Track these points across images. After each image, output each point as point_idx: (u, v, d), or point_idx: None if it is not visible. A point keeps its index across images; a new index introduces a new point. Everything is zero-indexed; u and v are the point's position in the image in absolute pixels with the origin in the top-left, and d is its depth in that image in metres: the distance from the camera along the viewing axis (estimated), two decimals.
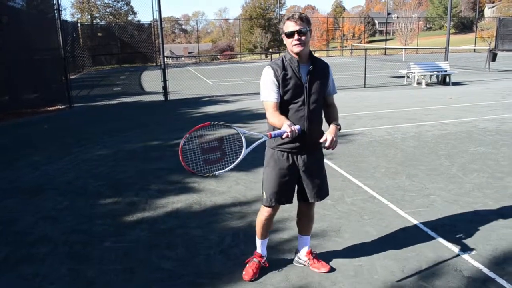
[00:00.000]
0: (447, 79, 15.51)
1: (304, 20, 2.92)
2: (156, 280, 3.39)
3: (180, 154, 2.82)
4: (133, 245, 3.97)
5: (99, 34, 31.97)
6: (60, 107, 12.43)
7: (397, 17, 55.83)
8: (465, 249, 3.71)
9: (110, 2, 41.38)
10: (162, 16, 13.50)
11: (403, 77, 16.76)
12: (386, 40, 49.62)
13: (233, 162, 2.92)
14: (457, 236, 3.96)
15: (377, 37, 77.95)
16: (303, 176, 3.14)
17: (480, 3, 61.77)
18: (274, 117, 2.93)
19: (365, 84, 15.39)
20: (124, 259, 3.72)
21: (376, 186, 5.26)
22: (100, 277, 3.45)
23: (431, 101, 11.86)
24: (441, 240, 3.89)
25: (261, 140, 2.85)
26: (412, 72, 15.77)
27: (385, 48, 39.23)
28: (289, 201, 3.21)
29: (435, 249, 3.73)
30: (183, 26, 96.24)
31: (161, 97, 13.54)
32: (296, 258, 3.55)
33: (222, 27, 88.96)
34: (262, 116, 10.22)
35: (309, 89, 2.99)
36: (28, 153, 7.29)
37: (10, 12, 12.13)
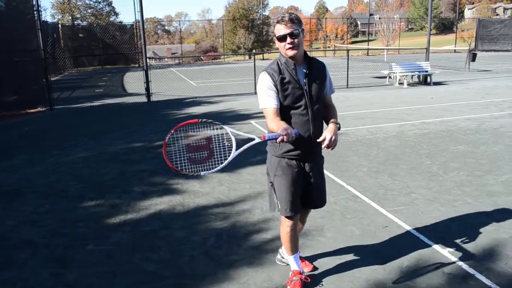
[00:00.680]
0: (428, 79, 15.73)
1: (295, 21, 2.80)
2: (139, 283, 3.36)
3: (163, 150, 2.67)
4: (115, 247, 3.93)
5: (80, 35, 31.59)
6: (41, 110, 12.25)
7: (379, 18, 56.40)
8: (446, 246, 3.77)
9: (91, 3, 40.92)
10: (145, 17, 13.42)
11: (385, 77, 16.94)
12: (368, 40, 50.06)
13: (221, 163, 2.80)
14: (438, 233, 4.02)
15: (359, 38, 78.67)
16: (311, 182, 3.07)
17: (460, 5, 62.78)
18: (274, 123, 2.80)
19: (347, 85, 15.51)
20: (106, 262, 3.68)
21: (358, 185, 5.30)
22: (82, 280, 3.41)
23: (413, 101, 12.01)
24: (422, 237, 3.94)
25: (253, 142, 2.72)
26: (394, 73, 15.95)
27: (368, 49, 39.57)
28: (300, 210, 3.10)
29: (416, 247, 3.78)
30: (166, 27, 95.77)
31: (143, 99, 13.44)
32: (279, 257, 3.54)
33: (205, 28, 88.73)
34: (245, 117, 10.24)
35: (309, 91, 2.90)
36: (8, 156, 7.16)
37: None
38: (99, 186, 5.59)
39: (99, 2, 41.26)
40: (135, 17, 16.88)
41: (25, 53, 12.95)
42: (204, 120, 2.77)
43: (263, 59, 36.50)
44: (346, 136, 7.85)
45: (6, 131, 9.52)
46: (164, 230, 4.26)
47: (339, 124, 2.98)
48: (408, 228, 4.14)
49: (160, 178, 5.83)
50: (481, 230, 4.07)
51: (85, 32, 32.21)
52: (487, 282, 3.23)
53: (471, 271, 3.38)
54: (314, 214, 4.47)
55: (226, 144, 2.84)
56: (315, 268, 3.43)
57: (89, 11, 41.34)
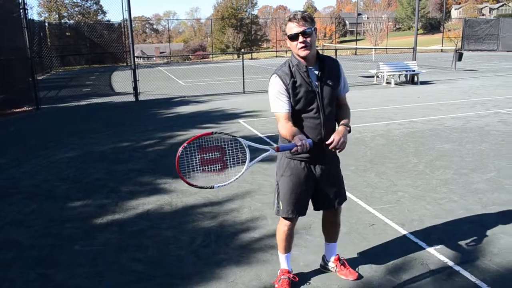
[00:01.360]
0: (415, 79, 15.86)
1: (307, 19, 2.71)
2: (127, 283, 3.35)
3: (176, 164, 2.60)
4: (103, 248, 3.91)
5: (67, 33, 31.28)
6: (27, 109, 12.12)
7: (367, 18, 56.72)
8: (432, 243, 3.81)
9: (78, 1, 40.62)
10: (133, 15, 13.36)
11: (372, 76, 17.05)
12: (356, 40, 50.35)
13: (235, 175, 2.74)
14: (424, 231, 4.06)
15: (348, 37, 79.06)
16: (321, 184, 3.01)
17: (447, 5, 63.39)
18: (286, 129, 2.74)
19: None
20: (94, 262, 3.67)
21: (346, 184, 5.24)
22: (69, 281, 3.39)
23: (400, 100, 12.11)
24: (408, 235, 3.99)
25: (267, 153, 2.68)
26: (381, 72, 16.06)
27: (356, 48, 39.78)
28: (304, 212, 3.06)
29: (402, 244, 3.82)
30: (154, 26, 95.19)
31: (131, 98, 13.37)
32: (322, 264, 3.45)
33: (194, 27, 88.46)
34: (234, 116, 10.24)
35: (321, 94, 2.82)
36: None
37: None
38: (86, 186, 5.56)
39: (87, 1, 40.98)
40: (123, 16, 16.79)
41: (11, 51, 12.80)
42: (218, 132, 2.70)
43: (251, 58, 36.48)
44: None
45: None
46: (152, 230, 4.25)
47: (350, 127, 2.92)
48: (394, 226, 4.18)
49: (148, 178, 5.81)
50: (466, 227, 4.13)
51: (72, 30, 31.90)
52: (472, 278, 3.28)
53: (456, 267, 3.43)
54: None
55: (240, 156, 2.77)
56: (360, 277, 3.32)
57: (76, 9, 41.02)
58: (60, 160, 6.79)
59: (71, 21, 38.35)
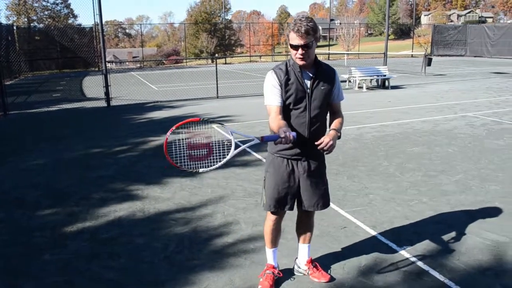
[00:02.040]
0: (387, 83, 16.18)
1: (310, 32, 2.76)
2: None
3: (164, 146, 2.71)
4: (73, 256, 3.84)
5: (36, 37, 30.59)
6: None
7: (340, 23, 57.57)
8: (402, 244, 3.89)
9: (48, 4, 39.77)
10: (105, 19, 13.19)
11: (345, 81, 17.28)
12: (329, 45, 50.95)
13: (220, 161, 2.84)
14: (394, 232, 4.15)
15: (321, 43, 79.76)
16: (303, 183, 3.08)
17: (416, 11, 64.91)
18: (274, 122, 2.84)
19: None
20: (64, 271, 3.59)
21: None
22: None
23: (371, 104, 12.32)
24: (379, 237, 4.06)
25: (251, 143, 2.76)
26: (353, 77, 16.30)
27: (329, 53, 40.26)
28: (290, 207, 3.13)
29: (374, 246, 3.89)
30: (127, 30, 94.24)
31: (103, 103, 13.17)
32: (295, 267, 3.50)
33: (167, 31, 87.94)
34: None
35: (311, 95, 2.92)
36: None
37: None
38: (56, 194, 5.45)
39: (57, 4, 40.15)
40: (94, 20, 16.56)
41: None
42: (206, 118, 2.81)
43: (225, 63, 36.49)
44: None
45: None
46: (124, 237, 4.19)
47: (340, 133, 3.00)
48: (366, 228, 4.25)
49: (119, 184, 5.73)
50: (435, 228, 4.23)
51: (42, 34, 31.19)
52: (441, 277, 3.36)
53: (426, 267, 3.51)
54: None
55: (225, 143, 2.88)
56: (332, 279, 3.36)
57: (46, 13, 40.13)
58: (30, 167, 6.63)
59: (41, 25, 37.52)
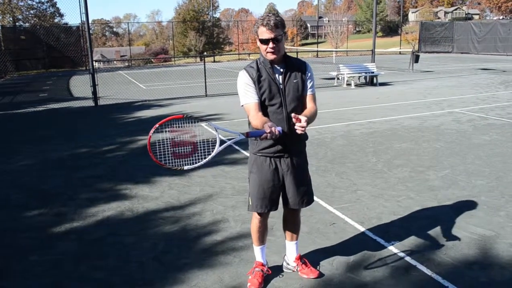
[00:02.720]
0: (375, 80, 16.26)
1: (279, 25, 2.79)
2: None
3: (148, 144, 2.68)
4: (61, 257, 3.81)
5: (22, 37, 30.21)
6: None
7: (328, 21, 57.70)
8: (389, 240, 3.92)
9: (34, 3, 39.25)
10: (92, 18, 13.09)
11: (333, 78, 17.36)
12: (317, 43, 51.10)
13: (205, 158, 2.82)
14: (382, 228, 4.18)
15: (309, 40, 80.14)
16: (287, 181, 3.07)
17: (404, 8, 65.32)
18: (257, 119, 2.82)
19: None
20: (52, 272, 3.56)
21: None
22: None
23: (360, 101, 12.38)
24: (367, 232, 4.09)
25: (236, 139, 2.74)
26: (341, 74, 16.37)
27: (317, 51, 40.40)
28: (275, 207, 3.13)
29: (362, 242, 3.91)
30: (115, 29, 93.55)
31: (90, 103, 13.07)
32: (284, 264, 3.50)
33: (155, 30, 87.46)
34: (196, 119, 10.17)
35: (284, 90, 2.92)
36: None
37: None
38: (43, 194, 5.39)
39: (43, 3, 39.64)
40: (81, 19, 16.40)
41: None
42: (189, 115, 2.77)
43: (214, 61, 36.40)
44: None
45: None
46: (112, 237, 4.17)
47: (308, 119, 2.78)
48: (354, 224, 4.28)
49: (107, 184, 5.70)
50: (423, 223, 4.27)
51: (27, 34, 30.82)
52: (428, 272, 3.40)
53: (413, 262, 3.54)
54: None
55: (210, 139, 2.86)
56: (321, 275, 3.38)
57: (31, 12, 39.63)
58: (15, 168, 6.56)
59: (27, 24, 37.05)
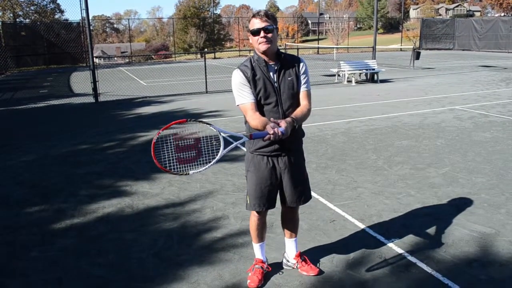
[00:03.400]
0: (375, 77, 16.24)
1: (270, 17, 2.83)
2: None
3: (152, 151, 2.66)
4: (61, 253, 3.81)
5: (23, 33, 30.17)
6: None
7: (329, 17, 57.58)
8: (389, 237, 3.92)
9: None
10: (92, 14, 13.09)
11: (334, 75, 17.33)
12: (318, 39, 51.06)
13: (209, 162, 2.81)
14: (382, 225, 4.18)
15: (310, 37, 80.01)
16: (285, 179, 3.07)
17: (405, 5, 65.16)
18: (256, 120, 2.79)
19: None
20: (52, 268, 3.57)
21: None
22: None
23: (360, 98, 12.36)
24: (367, 230, 4.09)
25: (240, 141, 2.73)
26: (342, 71, 16.34)
27: (318, 48, 40.31)
28: (272, 205, 3.13)
29: (362, 239, 3.91)
30: (115, 25, 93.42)
31: (91, 99, 13.06)
32: (284, 261, 3.50)
33: (156, 26, 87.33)
34: (196, 116, 10.17)
35: (279, 88, 2.90)
36: None
37: None
38: (43, 191, 5.39)
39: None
40: (81, 15, 16.34)
41: None
42: (192, 119, 2.74)
43: (214, 58, 36.36)
44: None
45: None
46: (113, 233, 4.17)
47: (296, 123, 2.83)
48: (354, 221, 4.28)
49: (108, 180, 5.70)
50: (423, 220, 4.27)
51: (28, 30, 30.77)
52: (428, 269, 3.40)
53: (413, 259, 3.54)
54: None
55: (214, 143, 2.84)
56: (321, 272, 3.38)
57: (32, 8, 39.56)
58: (16, 164, 6.56)
59: (27, 20, 37.00)
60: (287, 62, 2.96)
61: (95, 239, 4.07)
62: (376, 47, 18.03)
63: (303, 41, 64.42)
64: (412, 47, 23.61)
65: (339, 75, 16.91)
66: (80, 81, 17.89)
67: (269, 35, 2.81)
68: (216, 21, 51.53)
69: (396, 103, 11.29)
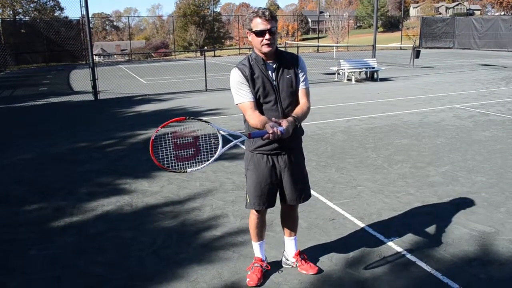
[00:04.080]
0: (375, 75, 16.22)
1: (274, 18, 2.78)
2: (85, 286, 3.27)
3: (150, 148, 2.65)
4: (60, 251, 3.80)
5: (22, 31, 30.11)
6: None
7: (329, 16, 57.53)
8: (389, 235, 3.92)
9: None
10: (92, 12, 13.08)
11: (334, 73, 17.31)
12: (318, 38, 51.01)
13: (207, 160, 2.79)
14: (382, 224, 4.17)
15: (310, 35, 79.88)
16: (285, 177, 3.05)
17: (405, 3, 65.11)
18: (255, 119, 2.77)
19: None
20: (51, 267, 3.56)
21: None
22: (25, 287, 3.28)
23: (360, 96, 12.35)
24: (367, 228, 4.08)
25: (239, 140, 2.72)
26: (342, 69, 16.33)
27: (318, 46, 40.26)
28: (272, 204, 3.12)
29: (361, 238, 3.91)
30: (115, 23, 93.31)
31: (90, 97, 13.04)
32: (283, 260, 3.49)
33: (155, 24, 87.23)
34: (196, 114, 10.16)
35: (278, 86, 2.88)
36: None
37: None
38: (42, 189, 5.38)
39: None
40: (81, 12, 16.33)
41: None
42: (191, 117, 2.75)
43: (214, 56, 36.32)
44: None
45: None
46: (112, 232, 4.16)
47: (298, 122, 2.84)
48: (354, 220, 4.27)
49: (107, 179, 5.69)
50: (422, 219, 4.26)
51: (27, 27, 30.71)
52: (427, 268, 3.39)
53: (413, 258, 3.54)
54: None
55: (212, 141, 2.83)
56: (320, 271, 3.37)
57: (32, 5, 39.48)
58: (15, 162, 6.55)
59: (27, 18, 36.91)
60: (285, 60, 2.94)
61: (94, 237, 4.06)
62: (376, 45, 18.01)
63: (303, 39, 64.32)
64: (412, 45, 23.58)
65: (339, 74, 16.89)
66: (79, 79, 17.85)
67: (274, 37, 2.80)
68: (216, 19, 51.47)
69: (396, 101, 11.28)
